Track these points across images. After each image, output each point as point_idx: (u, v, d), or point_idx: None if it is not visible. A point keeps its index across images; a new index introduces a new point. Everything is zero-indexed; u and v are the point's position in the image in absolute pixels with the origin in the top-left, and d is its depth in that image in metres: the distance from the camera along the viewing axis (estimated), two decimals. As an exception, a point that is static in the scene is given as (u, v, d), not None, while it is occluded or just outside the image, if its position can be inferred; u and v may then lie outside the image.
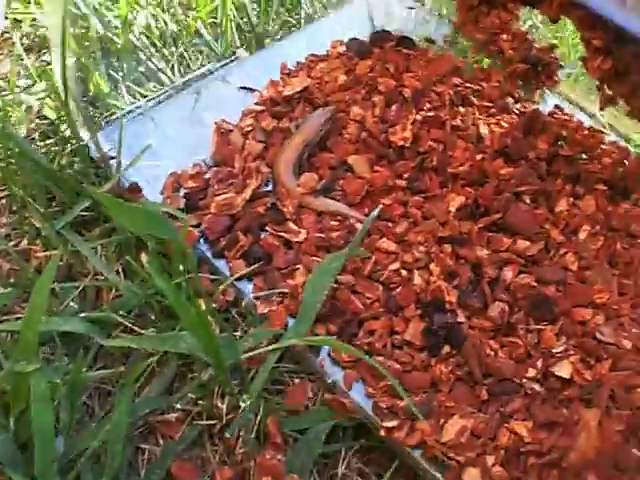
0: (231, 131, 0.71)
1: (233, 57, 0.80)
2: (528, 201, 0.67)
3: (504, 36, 0.74)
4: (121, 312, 0.58)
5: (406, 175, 0.68)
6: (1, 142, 0.68)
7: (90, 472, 0.49)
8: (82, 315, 0.57)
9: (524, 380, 0.56)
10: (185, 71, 0.80)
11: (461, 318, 0.59)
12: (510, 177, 0.67)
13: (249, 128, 0.71)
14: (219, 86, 0.76)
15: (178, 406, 0.54)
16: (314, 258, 0.61)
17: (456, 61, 0.79)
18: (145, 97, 0.76)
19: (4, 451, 0.48)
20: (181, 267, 0.56)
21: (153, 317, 0.58)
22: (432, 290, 0.59)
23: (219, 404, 0.53)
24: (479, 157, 0.69)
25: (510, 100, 0.76)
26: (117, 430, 0.48)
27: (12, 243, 0.66)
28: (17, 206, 0.67)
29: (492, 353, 0.57)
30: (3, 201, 0.70)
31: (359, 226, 0.62)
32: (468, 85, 0.77)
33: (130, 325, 0.57)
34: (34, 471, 0.46)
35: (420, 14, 0.84)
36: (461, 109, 0.74)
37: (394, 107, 0.72)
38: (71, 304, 0.59)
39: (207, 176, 0.67)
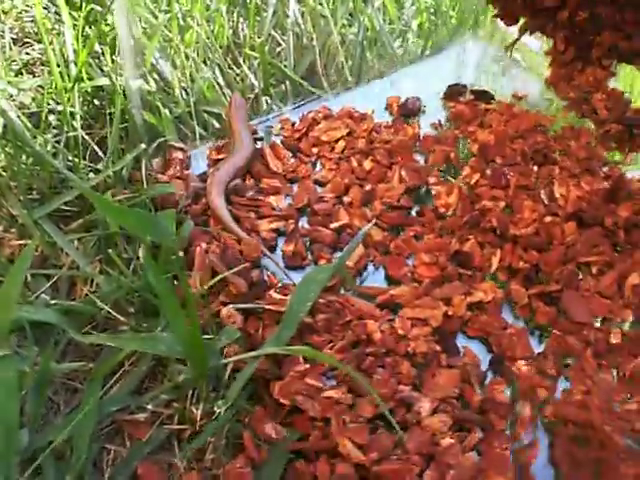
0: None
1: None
2: (595, 272, 0.61)
3: (598, 95, 0.71)
4: (96, 306, 0.59)
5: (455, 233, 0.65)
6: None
7: (52, 468, 0.50)
8: (55, 306, 0.59)
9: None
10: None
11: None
12: (578, 243, 0.62)
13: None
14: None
15: (149, 407, 0.54)
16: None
17: (543, 119, 0.76)
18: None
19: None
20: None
21: (130, 311, 0.59)
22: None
23: (193, 409, 0.53)
24: (548, 219, 0.65)
25: (598, 163, 0.71)
26: (83, 427, 0.50)
27: None
28: None
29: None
30: None
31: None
32: (552, 144, 0.73)
33: (105, 319, 0.59)
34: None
35: (511, 70, 0.81)
36: (535, 168, 0.69)
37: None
38: (43, 296, 0.61)
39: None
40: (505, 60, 0.84)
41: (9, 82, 0.80)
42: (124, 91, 0.73)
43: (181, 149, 0.74)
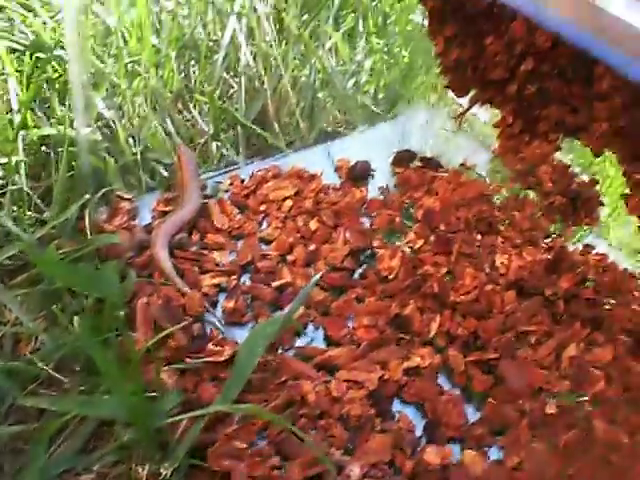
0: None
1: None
2: (533, 341, 0.62)
3: (544, 167, 0.72)
4: (40, 364, 0.58)
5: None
6: None
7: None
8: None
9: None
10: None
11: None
12: (517, 312, 0.63)
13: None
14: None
15: (95, 468, 0.53)
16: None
17: (489, 188, 0.77)
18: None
19: None
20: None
21: (75, 369, 0.59)
22: None
23: (139, 469, 0.52)
24: (489, 288, 0.65)
25: (540, 234, 0.72)
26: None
27: None
28: None
29: None
30: None
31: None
32: (497, 213, 0.74)
33: (49, 377, 0.58)
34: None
35: (461, 139, 0.83)
36: (479, 237, 0.70)
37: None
38: None
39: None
40: (455, 129, 0.85)
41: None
42: (71, 140, 0.73)
43: (128, 199, 0.73)
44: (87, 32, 0.87)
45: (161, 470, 0.51)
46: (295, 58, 0.93)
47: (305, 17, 1.00)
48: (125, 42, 0.87)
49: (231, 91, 0.91)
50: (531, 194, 0.78)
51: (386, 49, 1.01)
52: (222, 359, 0.59)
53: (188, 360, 0.59)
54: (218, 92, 0.88)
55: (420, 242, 0.71)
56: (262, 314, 0.64)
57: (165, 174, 0.79)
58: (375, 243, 0.71)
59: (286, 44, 0.94)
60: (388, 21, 1.04)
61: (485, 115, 0.87)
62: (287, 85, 0.88)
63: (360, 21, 1.03)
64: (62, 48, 0.84)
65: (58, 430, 0.54)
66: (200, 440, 0.53)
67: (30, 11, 0.89)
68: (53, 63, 0.82)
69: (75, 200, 0.70)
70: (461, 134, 0.86)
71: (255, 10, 0.92)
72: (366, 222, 0.75)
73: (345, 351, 0.62)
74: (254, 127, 0.85)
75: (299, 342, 0.64)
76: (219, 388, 0.57)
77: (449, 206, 0.75)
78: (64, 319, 0.60)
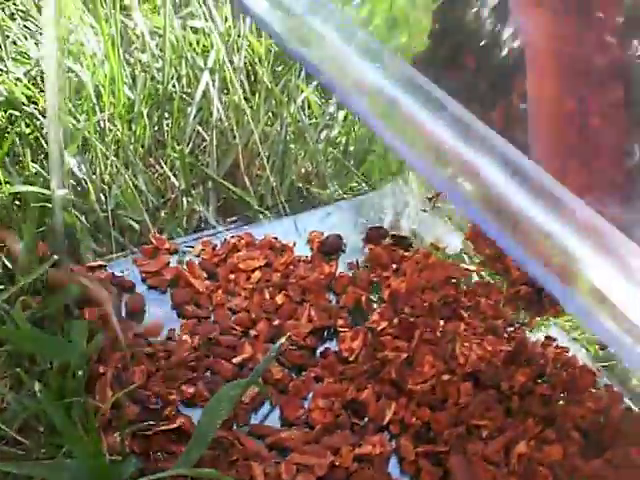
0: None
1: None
2: (484, 436, 0.63)
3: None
4: (3, 426, 0.59)
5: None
6: None
7: None
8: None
9: None
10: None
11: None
12: (472, 404, 0.64)
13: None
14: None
15: None
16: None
17: (457, 272, 0.78)
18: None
19: None
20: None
21: (40, 431, 0.60)
22: None
23: None
24: (446, 377, 0.66)
25: (503, 323, 0.74)
26: None
27: None
28: None
29: None
30: None
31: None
32: (463, 299, 0.75)
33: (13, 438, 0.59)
34: None
35: (434, 219, 0.84)
36: (441, 322, 0.71)
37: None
38: None
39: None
40: (428, 208, 0.87)
41: None
42: (42, 197, 0.74)
43: (100, 266, 0.75)
44: (60, 87, 0.89)
45: None
46: (268, 112, 0.95)
47: (280, 68, 1.03)
48: (98, 97, 0.89)
49: (204, 143, 0.93)
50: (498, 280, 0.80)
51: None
52: (175, 426, 0.60)
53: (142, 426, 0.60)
54: (190, 146, 0.90)
55: (383, 324, 0.72)
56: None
57: (136, 228, 0.80)
58: (339, 322, 0.73)
59: (259, 98, 0.96)
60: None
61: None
62: (257, 139, 0.89)
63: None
64: (34, 104, 0.87)
65: None
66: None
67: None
68: (26, 120, 0.84)
69: (44, 259, 0.71)
70: (434, 213, 0.87)
71: (231, 63, 0.94)
72: (333, 299, 0.76)
73: (298, 434, 0.63)
74: (224, 182, 0.87)
75: (253, 419, 0.65)
76: (175, 455, 0.59)
77: (415, 289, 0.76)
78: (29, 381, 0.61)
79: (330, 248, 0.81)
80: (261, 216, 0.86)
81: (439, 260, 0.81)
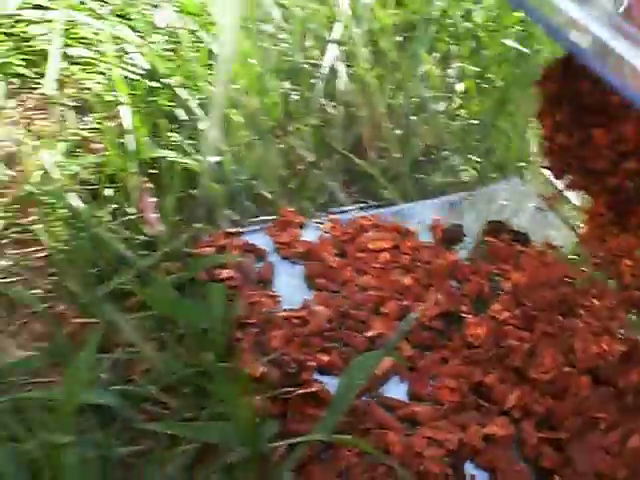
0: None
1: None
2: (603, 428, 0.66)
3: (627, 261, 0.76)
4: (151, 387, 0.64)
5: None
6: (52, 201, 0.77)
7: None
8: (113, 387, 0.63)
9: None
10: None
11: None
12: (591, 399, 0.67)
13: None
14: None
15: None
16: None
17: (572, 272, 0.81)
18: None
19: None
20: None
21: (184, 391, 0.64)
22: None
23: None
24: (566, 370, 0.70)
25: (617, 324, 0.77)
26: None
27: (45, 305, 0.72)
28: (55, 269, 0.75)
29: None
30: (41, 262, 0.77)
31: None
32: (578, 298, 0.78)
33: (157, 399, 0.63)
34: None
35: (548, 217, 0.87)
36: (560, 318, 0.75)
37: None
38: (102, 376, 0.65)
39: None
40: (544, 207, 0.90)
41: (68, 160, 0.86)
42: (183, 165, 0.79)
43: (235, 233, 0.79)
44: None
45: None
46: (391, 85, 0.99)
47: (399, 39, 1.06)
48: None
49: (327, 116, 0.97)
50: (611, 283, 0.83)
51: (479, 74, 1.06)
52: (313, 390, 0.64)
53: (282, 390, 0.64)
54: (317, 120, 0.93)
55: (505, 314, 0.76)
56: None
57: (269, 198, 0.84)
58: (463, 308, 0.76)
59: (383, 69, 0.99)
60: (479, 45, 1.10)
61: (574, 197, 0.91)
62: (382, 112, 0.92)
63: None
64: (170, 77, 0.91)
65: (165, 449, 0.59)
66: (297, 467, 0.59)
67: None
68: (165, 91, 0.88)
69: (186, 227, 0.76)
70: (550, 213, 0.90)
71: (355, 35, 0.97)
72: (455, 286, 0.80)
73: (428, 409, 0.67)
74: (351, 156, 0.90)
75: (382, 391, 0.69)
76: (310, 419, 0.62)
77: (535, 284, 0.79)
78: (173, 344, 0.66)
79: (451, 237, 0.85)
80: (385, 192, 0.89)
81: (555, 258, 0.85)
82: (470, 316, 0.76)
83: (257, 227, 0.82)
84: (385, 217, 0.86)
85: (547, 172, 0.85)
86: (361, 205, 0.88)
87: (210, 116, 0.78)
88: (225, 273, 0.74)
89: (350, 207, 0.87)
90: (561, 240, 0.88)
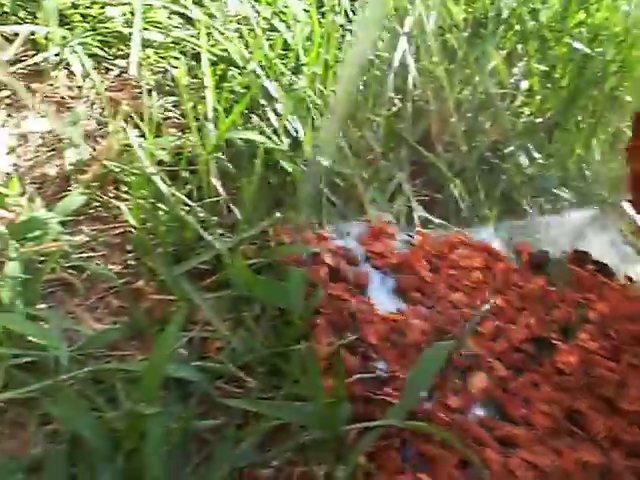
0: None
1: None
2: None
3: None
4: (229, 364, 0.66)
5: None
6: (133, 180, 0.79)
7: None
8: (192, 362, 0.65)
9: None
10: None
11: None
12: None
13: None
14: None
15: (274, 463, 0.59)
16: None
17: (651, 309, 0.83)
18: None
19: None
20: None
21: (259, 371, 0.66)
22: None
23: (314, 469, 0.58)
24: (656, 401, 0.72)
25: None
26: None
27: (122, 281, 0.74)
28: (133, 245, 0.77)
29: None
30: (118, 239, 0.79)
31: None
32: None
33: (233, 376, 0.65)
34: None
35: (627, 250, 0.90)
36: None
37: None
38: (181, 351, 0.67)
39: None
40: (623, 240, 0.92)
41: (149, 140, 0.87)
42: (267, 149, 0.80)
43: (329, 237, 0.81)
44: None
45: (337, 473, 0.57)
46: (461, 80, 1.00)
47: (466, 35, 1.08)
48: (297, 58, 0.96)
49: (394, 109, 0.98)
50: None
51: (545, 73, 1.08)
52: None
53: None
54: (387, 112, 0.95)
55: (593, 344, 0.78)
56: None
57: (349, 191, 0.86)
58: (552, 335, 0.78)
59: (449, 64, 1.00)
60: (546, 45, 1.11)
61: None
62: (451, 106, 0.94)
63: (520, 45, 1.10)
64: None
65: (238, 425, 0.62)
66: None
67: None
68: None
69: (267, 213, 0.78)
70: (629, 245, 0.92)
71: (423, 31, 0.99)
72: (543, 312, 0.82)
73: (525, 432, 0.68)
74: (420, 148, 0.92)
75: (477, 411, 0.71)
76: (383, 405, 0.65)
77: (618, 316, 0.81)
78: (251, 323, 0.68)
79: (538, 262, 0.87)
80: (451, 186, 0.91)
81: (635, 293, 0.87)
82: (560, 343, 0.77)
83: (347, 229, 0.84)
84: (471, 236, 0.88)
85: (627, 205, 0.87)
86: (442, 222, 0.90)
87: (332, 113, 0.79)
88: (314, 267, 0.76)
89: (434, 226, 0.89)
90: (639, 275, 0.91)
